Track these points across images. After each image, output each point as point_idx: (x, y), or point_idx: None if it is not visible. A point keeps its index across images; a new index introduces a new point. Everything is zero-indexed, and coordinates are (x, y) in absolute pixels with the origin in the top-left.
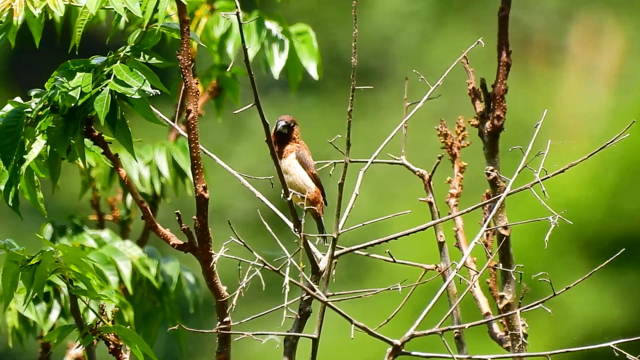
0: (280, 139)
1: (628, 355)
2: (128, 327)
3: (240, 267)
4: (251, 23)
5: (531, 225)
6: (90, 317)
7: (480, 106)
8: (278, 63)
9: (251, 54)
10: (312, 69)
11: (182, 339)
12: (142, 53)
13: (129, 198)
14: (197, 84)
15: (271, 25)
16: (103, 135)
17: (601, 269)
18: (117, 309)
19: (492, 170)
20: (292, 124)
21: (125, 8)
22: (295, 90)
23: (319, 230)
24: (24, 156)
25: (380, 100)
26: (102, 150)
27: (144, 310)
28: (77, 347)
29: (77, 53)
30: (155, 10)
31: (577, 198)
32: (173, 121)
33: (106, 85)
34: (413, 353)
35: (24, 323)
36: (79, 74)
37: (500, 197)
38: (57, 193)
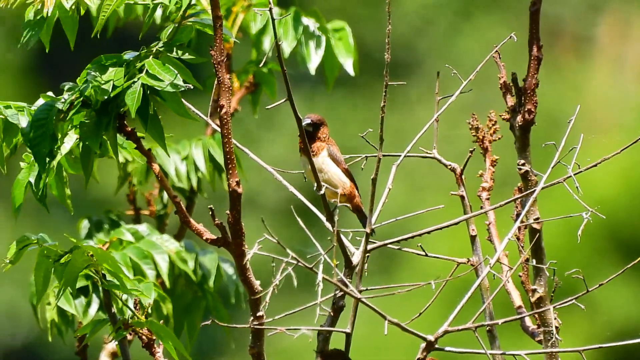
0: (308, 136)
1: None
2: (163, 320)
3: (274, 264)
4: (288, 19)
5: (565, 227)
6: (128, 311)
7: (511, 100)
8: (314, 59)
9: (288, 49)
10: (349, 66)
11: (228, 330)
12: (174, 48)
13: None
14: (229, 79)
15: (308, 22)
16: (136, 130)
17: (636, 271)
18: (150, 303)
19: (523, 164)
20: (318, 123)
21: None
22: (331, 87)
23: (362, 221)
24: (56, 149)
25: (409, 93)
26: (135, 146)
27: (185, 301)
28: (111, 341)
29: (108, 36)
30: (189, 5)
31: (613, 198)
32: (210, 116)
33: (138, 79)
34: (446, 349)
35: (63, 317)
36: (111, 69)
37: (534, 190)
38: (93, 187)
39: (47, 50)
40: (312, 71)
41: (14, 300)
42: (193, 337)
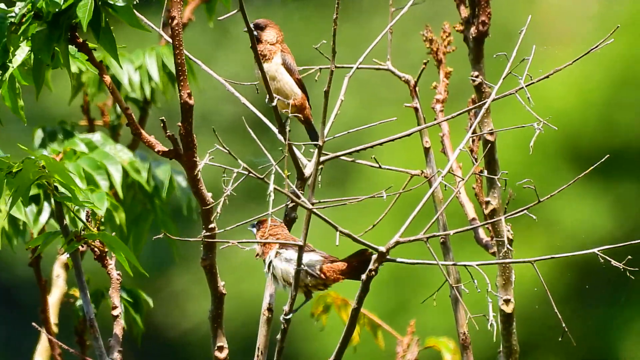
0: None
1: (613, 262)
2: (116, 231)
3: (225, 175)
4: None
5: (520, 141)
6: (80, 223)
7: (465, 11)
8: None
9: None
10: None
11: (174, 244)
12: None
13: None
14: None
15: None
16: (87, 42)
17: (594, 182)
18: (102, 216)
19: (477, 76)
20: (263, 25)
21: None
22: None
23: (311, 134)
24: (7, 62)
25: (363, 2)
26: (87, 57)
27: (134, 213)
28: (63, 253)
29: None
30: None
31: (567, 111)
32: (163, 27)
33: None
34: (398, 260)
35: (13, 226)
36: None
37: (485, 102)
38: (47, 98)
39: None
40: None
41: None
42: (138, 249)
